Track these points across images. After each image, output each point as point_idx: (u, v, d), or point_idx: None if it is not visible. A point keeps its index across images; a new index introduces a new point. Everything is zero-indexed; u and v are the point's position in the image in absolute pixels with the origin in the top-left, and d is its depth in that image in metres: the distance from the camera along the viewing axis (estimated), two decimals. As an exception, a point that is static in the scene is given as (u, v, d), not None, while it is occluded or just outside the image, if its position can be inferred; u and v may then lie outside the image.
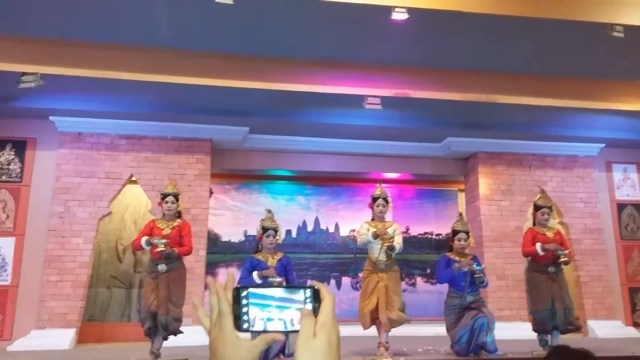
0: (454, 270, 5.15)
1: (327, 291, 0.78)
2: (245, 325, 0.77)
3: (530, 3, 5.08)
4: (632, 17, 5.30)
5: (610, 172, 8.50)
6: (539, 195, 5.94)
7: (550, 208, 5.76)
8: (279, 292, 0.78)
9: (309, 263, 8.31)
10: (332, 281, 8.30)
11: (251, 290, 0.78)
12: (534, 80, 6.46)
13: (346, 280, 8.26)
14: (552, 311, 5.31)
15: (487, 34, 5.58)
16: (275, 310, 0.77)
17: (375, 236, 5.25)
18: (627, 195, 8.50)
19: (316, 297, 0.78)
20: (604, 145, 8.16)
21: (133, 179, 7.09)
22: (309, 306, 0.77)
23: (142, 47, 5.71)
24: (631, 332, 7.63)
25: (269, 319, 0.77)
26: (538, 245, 5.42)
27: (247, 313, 0.78)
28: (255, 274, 4.86)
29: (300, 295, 0.78)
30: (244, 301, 0.78)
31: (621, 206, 8.42)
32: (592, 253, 7.91)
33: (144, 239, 4.99)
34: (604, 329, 7.37)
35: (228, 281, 0.82)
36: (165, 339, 4.95)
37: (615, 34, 5.28)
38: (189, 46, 5.74)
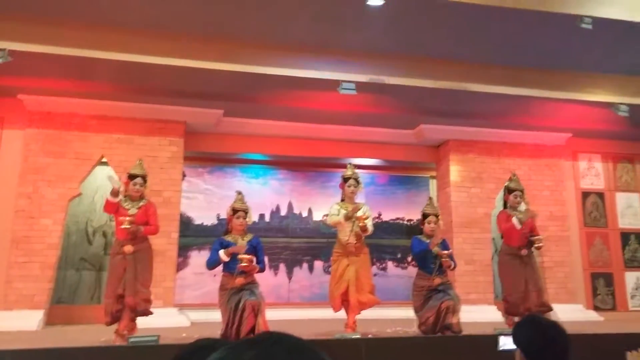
0: (430, 245, 5.26)
1: None
2: None
3: (503, -7, 5.17)
4: (600, 9, 5.45)
5: (576, 161, 8.76)
6: (511, 179, 6.05)
7: (521, 191, 5.91)
8: None
9: (281, 247, 8.36)
10: (305, 265, 8.37)
11: None
12: (504, 69, 6.59)
13: (318, 264, 8.34)
14: (526, 293, 5.49)
15: (460, 23, 5.66)
16: None
17: (348, 217, 5.31)
18: (592, 184, 8.78)
19: None
20: (570, 135, 8.39)
21: (104, 160, 7.00)
22: None
23: (116, 26, 5.61)
24: (592, 315, 7.94)
25: None
26: (514, 219, 5.56)
27: None
28: (221, 251, 4.83)
29: None
30: None
31: (585, 194, 8.70)
32: (557, 239, 8.17)
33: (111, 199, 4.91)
34: (566, 313, 7.63)
35: None
36: (133, 320, 4.93)
37: (584, 25, 5.42)
38: (164, 27, 5.67)
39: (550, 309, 5.74)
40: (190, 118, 7.26)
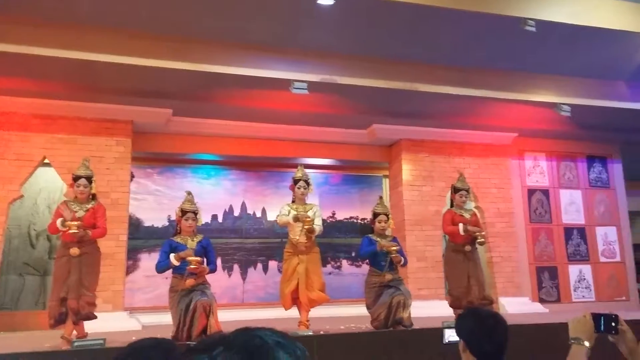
0: (377, 247, 5.33)
1: None
2: None
3: (450, -5, 5.29)
4: (543, 12, 5.67)
5: (522, 160, 9.07)
6: (457, 179, 6.25)
7: (467, 191, 6.13)
8: None
9: (235, 248, 8.27)
10: (259, 265, 8.31)
11: None
12: (453, 70, 6.75)
13: (273, 265, 8.30)
14: (468, 287, 5.65)
15: (408, 24, 5.76)
16: None
17: (296, 219, 5.32)
18: (537, 181, 9.10)
19: None
20: (516, 134, 8.68)
21: (46, 161, 6.72)
22: None
23: (60, 22, 5.41)
24: (537, 307, 8.24)
25: None
26: (461, 226, 5.73)
27: None
28: (172, 256, 4.77)
29: None
30: None
31: (531, 192, 9.02)
32: (504, 235, 8.44)
33: (59, 221, 4.77)
34: (513, 305, 7.90)
35: None
36: (76, 323, 4.76)
37: (527, 27, 5.62)
38: (111, 23, 5.51)
39: (492, 302, 5.96)
40: (138, 117, 7.07)
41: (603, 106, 7.39)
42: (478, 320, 1.91)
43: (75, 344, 4.20)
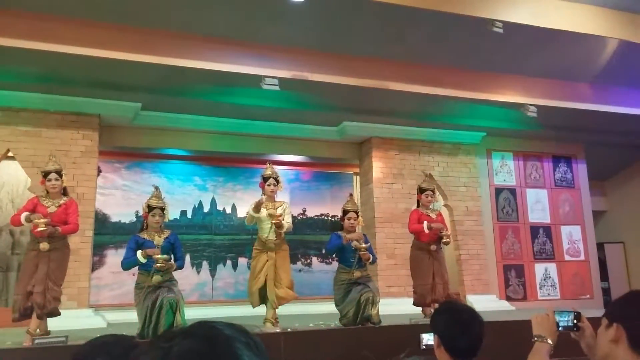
0: (343, 240, 5.34)
1: None
2: None
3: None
4: (510, 14, 5.77)
5: (490, 159, 9.22)
6: (423, 179, 6.34)
7: (433, 191, 6.21)
8: None
9: (204, 244, 8.19)
10: (229, 262, 8.26)
11: None
12: (422, 69, 6.82)
13: (242, 261, 8.25)
14: (432, 285, 5.72)
15: (380, 22, 5.79)
16: None
17: (258, 207, 5.26)
18: (504, 180, 9.27)
19: None
20: (485, 134, 8.82)
21: (10, 154, 6.53)
22: None
23: (23, 11, 5.25)
24: (504, 304, 8.39)
25: None
26: (425, 224, 5.80)
27: None
28: (139, 253, 4.70)
29: None
30: None
31: (498, 190, 9.18)
32: (472, 233, 8.57)
33: (23, 215, 4.65)
34: (481, 303, 8.02)
35: None
36: (41, 318, 4.66)
37: (495, 29, 5.71)
38: (76, 14, 5.38)
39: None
40: (106, 111, 6.93)
41: (568, 107, 7.57)
42: (454, 315, 1.89)
43: (37, 341, 4.13)
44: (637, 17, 6.20)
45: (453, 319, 1.87)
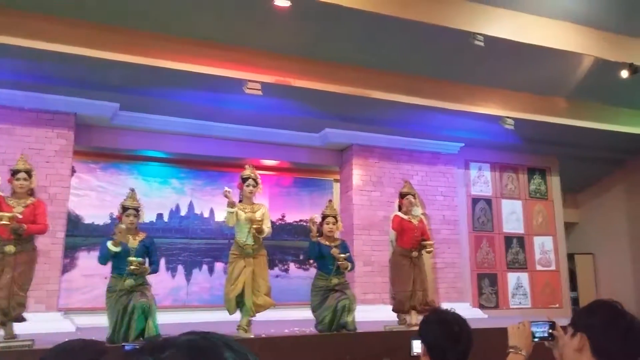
0: (330, 249, 5.34)
1: None
2: None
3: (402, 5, 5.38)
4: (491, 28, 5.85)
5: (468, 169, 9.34)
6: (404, 186, 6.40)
7: (413, 196, 6.27)
8: None
9: (180, 248, 8.08)
10: (205, 267, 8.16)
11: None
12: (404, 79, 6.87)
13: (219, 266, 8.16)
14: (412, 292, 5.76)
15: (363, 31, 5.82)
16: None
17: (231, 206, 5.19)
18: (481, 190, 9.40)
19: None
20: (463, 144, 8.93)
21: (-19, 151, 6.36)
22: None
23: (0, 7, 5.12)
24: (477, 312, 8.48)
25: None
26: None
27: None
28: (109, 243, 4.61)
29: None
30: None
31: (475, 200, 9.30)
32: (448, 242, 8.65)
33: None
34: (455, 310, 8.09)
35: None
36: (4, 324, 4.52)
37: (476, 42, 5.79)
38: (54, 11, 5.27)
39: (434, 309, 6.07)
40: (82, 110, 6.80)
41: (544, 121, 7.72)
42: (445, 327, 1.86)
43: (1, 345, 4.00)
44: (612, 36, 6.37)
45: (443, 331, 1.85)
